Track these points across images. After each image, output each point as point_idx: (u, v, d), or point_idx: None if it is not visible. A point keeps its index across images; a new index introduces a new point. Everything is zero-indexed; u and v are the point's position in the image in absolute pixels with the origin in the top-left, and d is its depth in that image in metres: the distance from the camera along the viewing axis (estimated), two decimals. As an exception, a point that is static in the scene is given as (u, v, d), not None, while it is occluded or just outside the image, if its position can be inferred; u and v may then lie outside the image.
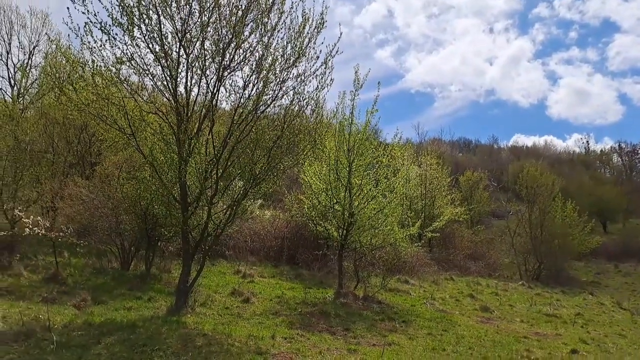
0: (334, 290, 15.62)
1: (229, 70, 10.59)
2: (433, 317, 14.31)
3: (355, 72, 14.87)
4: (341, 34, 11.31)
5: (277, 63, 10.64)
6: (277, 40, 10.59)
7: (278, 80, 10.74)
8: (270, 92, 10.79)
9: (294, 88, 10.94)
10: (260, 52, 10.48)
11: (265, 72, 10.56)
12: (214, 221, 11.47)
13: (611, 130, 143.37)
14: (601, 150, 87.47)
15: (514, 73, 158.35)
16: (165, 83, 10.63)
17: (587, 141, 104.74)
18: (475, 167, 51.15)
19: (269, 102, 10.91)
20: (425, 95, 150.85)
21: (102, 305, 11.43)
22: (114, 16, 9.70)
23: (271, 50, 10.56)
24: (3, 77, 27.86)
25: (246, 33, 10.37)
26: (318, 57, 10.88)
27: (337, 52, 10.92)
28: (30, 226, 12.83)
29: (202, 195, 11.10)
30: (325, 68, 10.96)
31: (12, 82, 27.79)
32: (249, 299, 13.48)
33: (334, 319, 12.57)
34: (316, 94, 11.16)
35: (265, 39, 10.44)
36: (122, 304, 11.66)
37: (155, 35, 10.11)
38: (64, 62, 23.65)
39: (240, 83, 10.73)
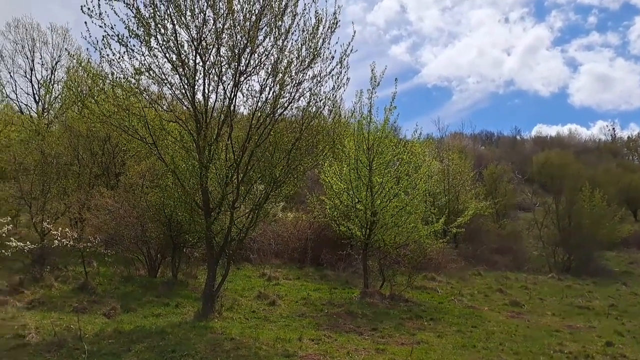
0: (360, 290, 15.58)
1: (245, 75, 10.66)
2: (462, 313, 14.15)
3: (372, 70, 14.83)
4: (355, 32, 11.30)
5: (293, 65, 10.66)
6: (292, 43, 10.63)
7: (294, 82, 10.76)
8: (287, 94, 10.82)
9: (310, 89, 10.95)
10: (275, 56, 10.52)
11: (281, 75, 10.59)
12: (236, 226, 11.55)
13: (637, 115, 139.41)
14: (628, 137, 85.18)
15: (533, 62, 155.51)
16: (183, 91, 10.76)
17: (613, 128, 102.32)
18: (499, 159, 50.46)
19: (286, 105, 10.94)
20: (442, 89, 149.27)
21: (131, 313, 11.61)
22: (131, 28, 9.85)
23: (286, 52, 10.59)
24: (28, 94, 28.54)
25: (260, 37, 10.43)
26: (333, 57, 10.87)
27: (351, 50, 10.90)
28: (59, 238, 13.19)
29: (224, 200, 11.18)
30: (340, 67, 10.94)
31: (37, 97, 28.46)
32: (275, 301, 13.54)
33: (361, 319, 12.53)
34: (333, 94, 11.15)
35: (280, 42, 10.48)
36: (151, 311, 11.82)
37: (172, 44, 10.23)
38: (85, 76, 24.21)
39: (257, 87, 10.81)
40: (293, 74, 10.70)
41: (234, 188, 11.12)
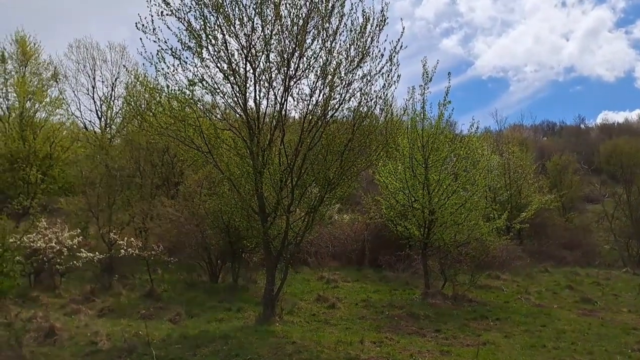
0: (421, 290, 15.25)
1: (294, 80, 10.68)
2: (529, 312, 13.55)
3: (423, 66, 14.53)
4: (403, 29, 11.06)
5: (342, 66, 10.58)
6: (340, 44, 10.54)
7: (344, 83, 10.68)
8: (337, 95, 10.75)
9: (360, 89, 10.82)
10: (324, 57, 10.48)
11: (330, 76, 10.53)
12: (293, 229, 11.57)
13: None
14: None
15: (594, 46, 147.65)
16: (235, 99, 10.93)
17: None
18: (562, 150, 48.19)
19: (336, 106, 10.87)
20: (498, 80, 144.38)
21: (195, 318, 11.90)
22: (183, 41, 10.11)
23: (334, 54, 10.52)
24: (91, 110, 29.93)
25: (309, 40, 10.42)
26: (382, 55, 10.69)
27: (401, 47, 10.68)
28: (126, 247, 13.73)
29: (279, 204, 11.24)
30: (390, 65, 10.74)
31: (99, 114, 29.83)
32: (335, 304, 13.47)
33: (423, 320, 12.24)
34: (384, 92, 10.97)
35: (328, 44, 10.43)
36: (214, 316, 12.07)
37: (222, 54, 10.42)
38: (142, 90, 25.18)
39: (307, 90, 10.79)
40: (342, 74, 10.62)
41: (289, 192, 11.17)
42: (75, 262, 13.71)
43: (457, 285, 15.09)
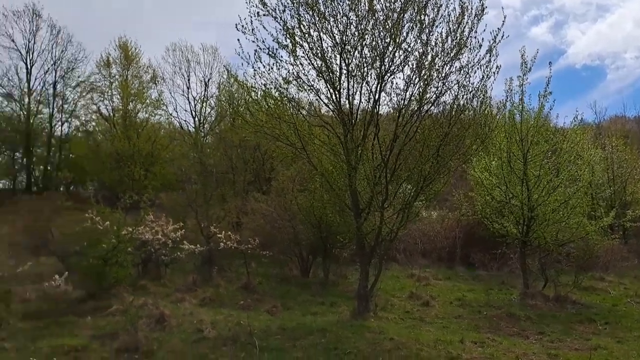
0: (519, 290, 14.59)
1: (389, 74, 10.58)
2: (642, 317, 12.52)
3: (522, 55, 13.86)
4: (505, 17, 10.56)
5: (438, 58, 10.32)
6: (436, 35, 10.27)
7: (440, 75, 10.41)
8: (433, 89, 10.51)
9: (457, 82, 10.49)
10: (420, 50, 10.27)
11: (426, 69, 10.31)
12: (387, 225, 11.49)
13: None
14: None
15: None
16: (329, 95, 11.01)
17: None
18: (672, 142, 43.93)
19: (432, 100, 10.63)
20: (594, 68, 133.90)
21: (290, 311, 12.20)
22: (280, 40, 10.34)
23: (431, 46, 10.28)
24: (186, 110, 31.58)
25: (404, 34, 10.25)
26: (481, 46, 10.30)
27: (502, 37, 10.22)
28: (224, 241, 14.35)
29: (373, 200, 11.21)
30: (490, 56, 10.32)
31: (193, 113, 31.40)
32: (429, 302, 13.24)
33: (524, 321, 11.70)
34: (482, 85, 10.56)
35: (424, 36, 10.20)
36: (308, 310, 12.30)
37: (317, 51, 10.53)
38: (233, 89, 26.22)
39: (402, 85, 10.62)
40: (439, 67, 10.36)
41: (383, 188, 11.09)
42: (179, 253, 14.55)
43: (559, 286, 14.24)
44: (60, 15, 61.20)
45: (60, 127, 31.26)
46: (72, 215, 16.08)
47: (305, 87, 10.99)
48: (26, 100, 29.54)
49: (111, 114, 29.14)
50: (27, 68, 29.44)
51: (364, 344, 9.11)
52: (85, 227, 14.07)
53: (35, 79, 29.79)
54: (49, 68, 29.85)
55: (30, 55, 29.42)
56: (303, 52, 10.59)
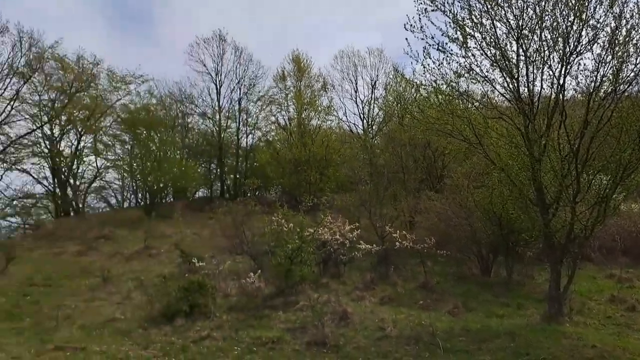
0: None
1: (575, 55, 9.61)
2: None
3: None
4: None
5: (635, 32, 9.07)
6: (631, 6, 9.05)
7: (639, 51, 9.12)
8: (631, 66, 9.25)
9: (662, 55, 9.08)
10: (612, 25, 9.14)
11: (620, 45, 9.13)
12: (580, 221, 10.40)
13: None
14: None
15: None
16: (505, 85, 10.44)
17: None
18: None
19: (630, 79, 9.36)
20: None
21: (473, 312, 11.77)
22: (449, 34, 10.09)
23: (625, 19, 9.07)
24: (354, 114, 32.71)
25: (591, 9, 9.23)
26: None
27: None
28: (400, 240, 14.46)
29: (561, 194, 10.28)
30: None
31: (362, 116, 32.28)
32: (635, 306, 11.67)
33: None
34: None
35: (616, 9, 9.05)
36: (492, 311, 11.74)
37: (490, 40, 10.07)
38: (400, 89, 26.32)
39: (590, 65, 9.57)
40: (636, 41, 9.09)
41: (573, 180, 10.09)
42: (356, 253, 15.06)
43: None
44: (240, 37, 68.15)
45: (245, 139, 34.80)
46: (260, 218, 17.64)
47: (479, 78, 10.59)
48: (217, 117, 33.44)
49: (287, 123, 31.43)
50: (217, 88, 33.31)
51: (560, 350, 8.42)
52: (272, 229, 15.40)
53: (224, 98, 33.57)
54: (234, 87, 33.39)
55: (219, 77, 33.23)
56: (475, 43, 10.23)
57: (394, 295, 13.56)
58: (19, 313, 12.37)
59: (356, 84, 31.95)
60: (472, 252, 15.87)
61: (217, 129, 33.36)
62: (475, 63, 10.40)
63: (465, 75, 10.59)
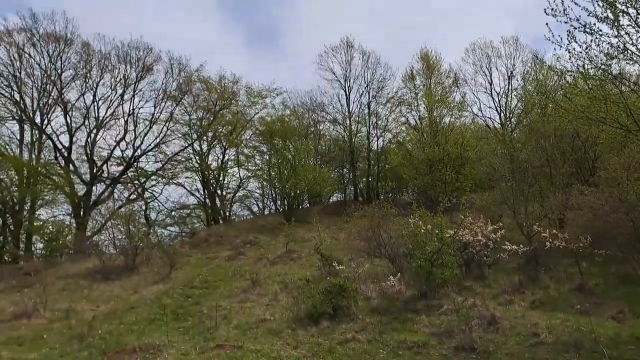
0: None
1: None
2: None
3: None
4: None
5: None
6: None
7: None
8: None
9: None
10: None
11: None
12: None
13: None
14: None
15: None
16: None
17: None
18: None
19: None
20: None
21: (642, 318, 10.54)
22: (597, 13, 9.23)
23: None
24: (490, 107, 31.16)
25: None
26: None
27: None
28: (550, 239, 13.46)
29: None
30: None
31: (498, 109, 30.60)
32: None
33: None
34: None
35: None
36: (666, 318, 10.39)
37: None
38: (541, 77, 24.51)
39: None
40: None
41: None
42: (501, 254, 14.33)
43: None
44: (367, 42, 68.95)
45: (376, 142, 35.01)
46: (396, 220, 17.60)
47: (635, 58, 9.51)
48: (347, 122, 34.10)
49: (418, 123, 30.98)
50: (346, 94, 34.02)
51: None
52: (409, 231, 15.28)
53: (353, 103, 34.19)
54: (363, 91, 33.83)
55: (348, 83, 33.90)
56: (629, 20, 9.21)
57: (546, 298, 12.66)
58: (183, 313, 13.81)
59: (490, 76, 30.51)
60: (637, 250, 14.16)
61: (348, 134, 34.09)
62: (631, 42, 9.39)
63: (619, 56, 9.61)
